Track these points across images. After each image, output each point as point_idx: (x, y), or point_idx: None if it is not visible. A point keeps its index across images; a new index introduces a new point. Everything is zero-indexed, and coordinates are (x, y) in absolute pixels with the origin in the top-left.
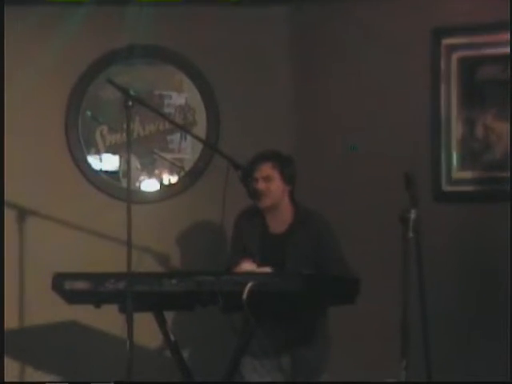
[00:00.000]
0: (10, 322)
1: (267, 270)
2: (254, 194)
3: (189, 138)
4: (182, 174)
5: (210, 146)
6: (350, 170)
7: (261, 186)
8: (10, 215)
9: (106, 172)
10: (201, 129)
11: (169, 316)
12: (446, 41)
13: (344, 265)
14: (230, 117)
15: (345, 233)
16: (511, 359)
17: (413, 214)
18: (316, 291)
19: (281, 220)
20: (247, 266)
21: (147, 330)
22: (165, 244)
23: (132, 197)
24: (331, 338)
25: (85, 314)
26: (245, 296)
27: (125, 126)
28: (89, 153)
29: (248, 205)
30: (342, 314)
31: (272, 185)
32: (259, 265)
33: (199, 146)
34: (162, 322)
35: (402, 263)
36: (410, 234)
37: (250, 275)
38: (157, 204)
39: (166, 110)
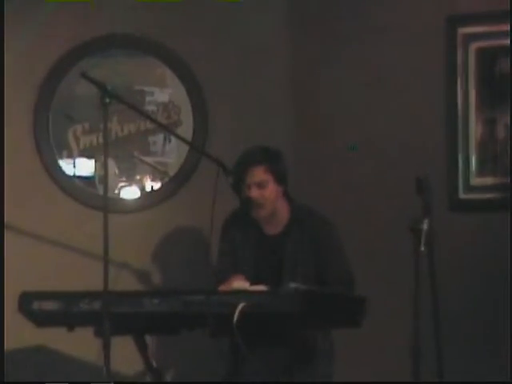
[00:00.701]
0: None
1: (261, 288)
2: (247, 203)
3: (173, 139)
4: (166, 179)
5: (197, 149)
6: (353, 174)
7: (254, 193)
8: None
9: (80, 178)
10: (187, 129)
11: (150, 340)
12: (463, 30)
13: (347, 276)
14: (219, 116)
15: (348, 245)
16: (511, 359)
17: (425, 225)
18: (316, 312)
19: (276, 221)
20: (239, 283)
21: (126, 356)
22: (146, 259)
23: (109, 206)
24: (334, 354)
25: (55, 337)
26: (235, 319)
27: (101, 125)
28: (61, 156)
29: (237, 206)
30: (347, 331)
31: (266, 191)
32: (253, 283)
33: (185, 149)
34: (142, 347)
35: (413, 279)
36: (422, 248)
37: (241, 294)
38: (137, 214)
39: (148, 108)
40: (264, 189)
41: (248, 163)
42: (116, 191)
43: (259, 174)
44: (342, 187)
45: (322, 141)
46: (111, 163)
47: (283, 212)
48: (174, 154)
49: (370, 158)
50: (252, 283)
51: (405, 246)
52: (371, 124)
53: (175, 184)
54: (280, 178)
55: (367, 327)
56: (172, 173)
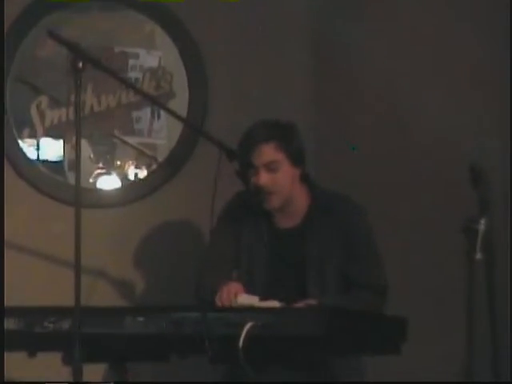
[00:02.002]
0: None
1: (273, 303)
2: (256, 192)
3: (163, 115)
4: (154, 166)
5: (194, 128)
6: (390, 161)
7: (264, 179)
8: None
9: (46, 163)
10: (180, 102)
11: (132, 367)
12: None
13: (380, 284)
14: (221, 86)
15: (383, 249)
16: (511, 359)
17: (482, 225)
18: (343, 336)
19: (292, 211)
20: (245, 298)
21: None
22: (129, 266)
23: (82, 199)
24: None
25: (14, 364)
26: (241, 343)
27: (72, 97)
28: (21, 136)
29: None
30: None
31: (279, 175)
32: (263, 295)
33: (178, 127)
34: (122, 377)
35: (466, 295)
36: (478, 255)
37: (248, 312)
38: (118, 209)
39: (132, 75)
40: (276, 172)
41: (253, 140)
42: (91, 180)
43: (268, 152)
44: (370, 175)
45: (345, 118)
46: (85, 145)
47: (301, 199)
48: (163, 133)
49: (407, 138)
50: (262, 296)
51: (456, 251)
52: (415, 99)
53: (165, 172)
54: (295, 158)
55: (408, 353)
56: (161, 158)
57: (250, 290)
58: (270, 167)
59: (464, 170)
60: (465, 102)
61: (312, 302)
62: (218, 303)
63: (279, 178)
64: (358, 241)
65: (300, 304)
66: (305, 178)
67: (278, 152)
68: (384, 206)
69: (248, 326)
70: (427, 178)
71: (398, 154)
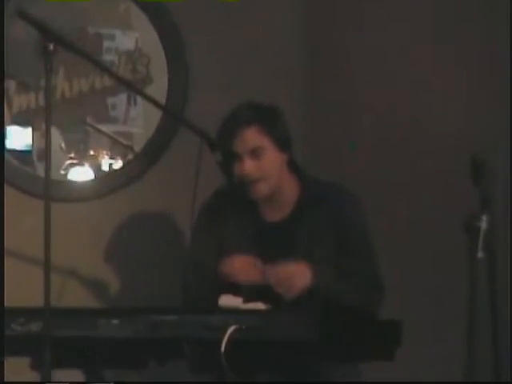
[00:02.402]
0: None
1: (259, 305)
2: (241, 182)
3: (140, 101)
4: (130, 156)
5: (174, 115)
6: (387, 154)
7: (248, 166)
8: None
9: (13, 152)
10: (159, 88)
11: (108, 375)
12: None
13: (375, 282)
14: (203, 70)
15: (382, 246)
16: (511, 358)
17: (484, 222)
18: (333, 340)
19: (280, 202)
20: (228, 299)
21: None
22: (103, 264)
23: (53, 191)
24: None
25: None
26: (223, 348)
27: (42, 82)
28: None
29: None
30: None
31: (264, 161)
32: (247, 296)
33: (156, 115)
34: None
35: (468, 295)
36: (480, 254)
37: (231, 314)
38: (91, 202)
39: (106, 58)
40: (261, 158)
41: (234, 125)
42: (62, 172)
43: (251, 137)
44: (365, 167)
45: (341, 106)
46: (55, 133)
47: (290, 189)
48: (140, 121)
49: (406, 132)
50: (246, 297)
51: (456, 250)
52: (414, 88)
53: (142, 162)
54: (281, 142)
55: (406, 355)
56: (138, 147)
57: (233, 290)
58: (255, 153)
59: (465, 166)
60: (465, 98)
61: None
62: (232, 278)
63: (265, 165)
64: (351, 233)
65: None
66: (293, 166)
67: (261, 136)
68: (380, 202)
69: (231, 329)
70: (430, 175)
71: (396, 148)
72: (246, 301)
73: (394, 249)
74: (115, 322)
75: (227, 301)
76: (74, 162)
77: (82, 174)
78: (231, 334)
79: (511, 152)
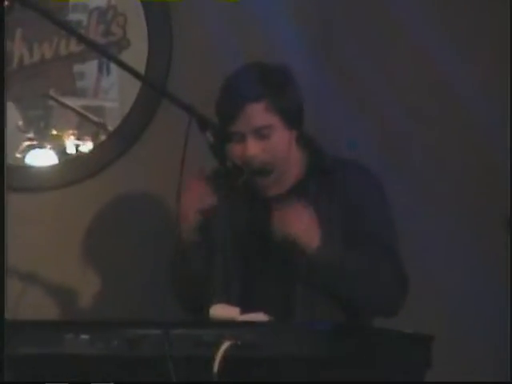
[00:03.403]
0: None
1: (259, 317)
2: (235, 169)
3: (114, 69)
4: (102, 136)
5: (154, 87)
6: (404, 137)
7: (253, 148)
8: None
9: None
10: (137, 54)
11: None
12: None
13: (398, 277)
14: (190, 33)
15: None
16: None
17: None
18: (345, 359)
19: (283, 179)
20: (222, 309)
21: None
22: (70, 267)
23: (9, 178)
24: None
25: None
26: (216, 368)
27: None
28: None
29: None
30: None
31: (272, 142)
32: (244, 309)
33: (134, 86)
34: None
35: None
36: None
37: (226, 328)
38: (54, 192)
39: (73, 17)
40: (268, 139)
41: (236, 100)
42: (18, 155)
43: (258, 115)
44: (389, 156)
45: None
46: (11, 108)
47: (295, 167)
48: (114, 94)
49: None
50: (244, 304)
51: (494, 250)
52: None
53: (117, 143)
54: (292, 118)
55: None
56: (112, 125)
57: (227, 289)
58: (261, 133)
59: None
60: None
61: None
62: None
63: (273, 147)
64: (369, 219)
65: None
66: (303, 141)
67: (270, 113)
68: (405, 194)
69: (225, 345)
70: (466, 167)
71: (427, 143)
72: (243, 311)
73: (414, 247)
74: (85, 337)
75: (221, 312)
76: (33, 143)
77: (42, 157)
78: (225, 351)
79: (511, 152)
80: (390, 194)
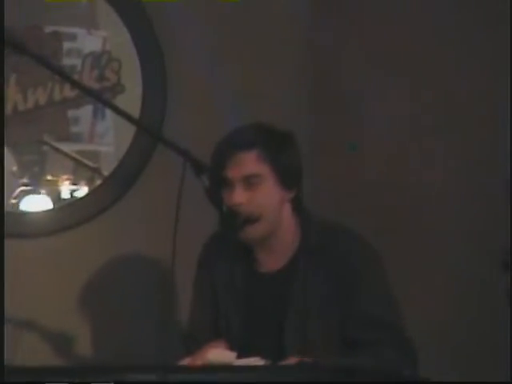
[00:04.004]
0: None
1: (255, 361)
2: (229, 216)
3: (109, 115)
4: (97, 181)
5: (149, 132)
6: (399, 172)
7: (238, 197)
8: None
9: None
10: (131, 98)
11: None
12: None
13: (404, 345)
14: (185, 78)
15: (402, 286)
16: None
17: None
18: None
19: (279, 249)
20: (220, 354)
21: None
22: (66, 313)
23: (5, 225)
24: None
25: None
26: None
27: None
28: None
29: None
30: None
31: (259, 192)
32: (241, 352)
33: (129, 131)
34: None
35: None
36: None
37: (222, 372)
38: (48, 238)
39: (67, 62)
40: (255, 188)
41: (230, 146)
42: (13, 200)
43: (248, 162)
44: (380, 193)
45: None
46: (7, 154)
47: (290, 234)
48: (109, 138)
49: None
50: (240, 353)
51: (492, 290)
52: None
53: (112, 188)
54: (286, 175)
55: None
56: (107, 170)
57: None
58: (249, 182)
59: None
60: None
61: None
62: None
63: (260, 198)
64: (367, 295)
65: (290, 361)
66: (297, 205)
67: (260, 164)
68: (398, 242)
69: None
70: (459, 203)
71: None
72: (240, 355)
73: (414, 294)
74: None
75: (218, 356)
76: (28, 188)
77: (36, 203)
78: None
79: (511, 152)
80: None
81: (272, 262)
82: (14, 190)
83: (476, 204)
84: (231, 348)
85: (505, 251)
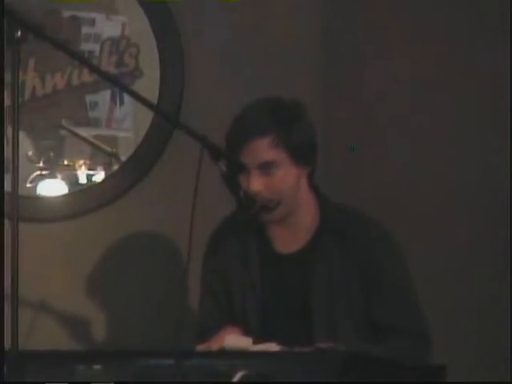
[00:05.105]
0: None
1: (271, 347)
2: (248, 204)
3: (127, 100)
4: (115, 166)
5: (167, 117)
6: (409, 165)
7: (256, 184)
8: None
9: None
10: (150, 83)
11: None
12: None
13: (419, 328)
14: (202, 63)
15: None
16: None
17: None
18: None
19: (297, 227)
20: (235, 339)
21: None
22: (81, 297)
23: (21, 209)
24: None
25: None
26: None
27: (8, 76)
28: None
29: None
30: None
31: (277, 178)
32: (257, 338)
33: (147, 116)
34: None
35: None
36: None
37: (239, 358)
38: (65, 223)
39: (85, 48)
40: (273, 174)
41: (243, 133)
42: (29, 184)
43: (263, 150)
44: (396, 180)
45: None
46: (24, 139)
47: (308, 212)
48: (128, 124)
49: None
50: (256, 338)
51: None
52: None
53: (130, 174)
54: (302, 155)
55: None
56: (125, 155)
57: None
58: (265, 168)
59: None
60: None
61: (324, 346)
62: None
63: (277, 183)
64: (384, 276)
65: (308, 349)
66: (312, 184)
67: (275, 149)
68: (410, 231)
69: (239, 375)
70: (473, 192)
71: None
72: (256, 341)
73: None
74: (97, 367)
75: (234, 341)
76: (45, 172)
77: (53, 187)
78: (239, 381)
79: (511, 154)
80: None
81: (291, 242)
82: (31, 174)
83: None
84: (248, 333)
85: None
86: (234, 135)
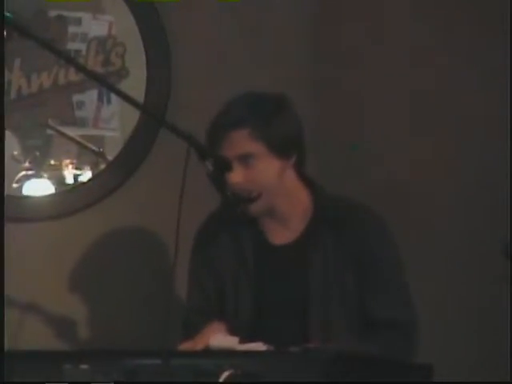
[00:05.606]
0: None
1: (258, 346)
2: (234, 201)
3: (114, 99)
4: (101, 165)
5: (154, 116)
6: (402, 163)
7: (236, 176)
8: None
9: None
10: (137, 83)
11: None
12: None
13: (408, 319)
14: (189, 62)
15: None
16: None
17: None
18: None
19: (289, 218)
20: (221, 339)
21: None
22: (68, 297)
23: (7, 209)
24: None
25: None
26: None
27: None
28: None
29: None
30: None
31: (255, 169)
32: (246, 336)
33: (133, 115)
34: None
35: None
36: None
37: (225, 357)
38: (51, 223)
39: (71, 47)
40: (252, 166)
41: (222, 126)
42: (15, 184)
43: (239, 142)
44: (396, 180)
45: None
46: (10, 139)
47: (297, 203)
48: (114, 123)
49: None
50: (244, 337)
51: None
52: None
53: (117, 173)
54: (281, 146)
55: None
56: (111, 154)
57: (234, 330)
58: (244, 161)
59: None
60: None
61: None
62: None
63: (257, 175)
64: (378, 264)
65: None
66: (302, 175)
67: (253, 140)
68: (405, 224)
69: (225, 375)
70: (460, 191)
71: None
72: (242, 341)
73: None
74: (84, 367)
75: (220, 341)
76: (31, 172)
77: (39, 187)
78: (225, 380)
79: (511, 153)
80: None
81: (285, 233)
82: (17, 175)
83: (477, 198)
84: (238, 330)
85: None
86: (213, 128)
